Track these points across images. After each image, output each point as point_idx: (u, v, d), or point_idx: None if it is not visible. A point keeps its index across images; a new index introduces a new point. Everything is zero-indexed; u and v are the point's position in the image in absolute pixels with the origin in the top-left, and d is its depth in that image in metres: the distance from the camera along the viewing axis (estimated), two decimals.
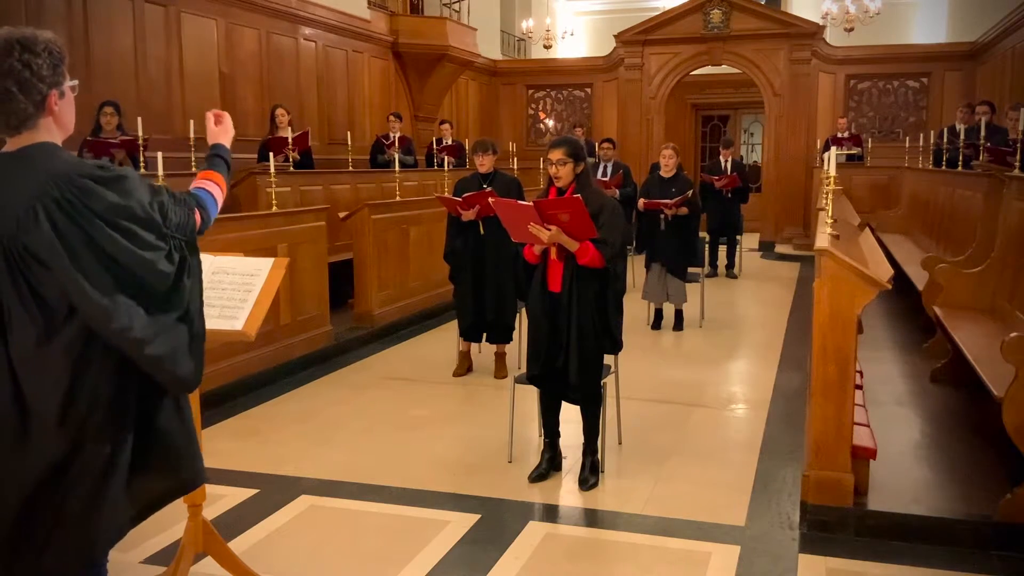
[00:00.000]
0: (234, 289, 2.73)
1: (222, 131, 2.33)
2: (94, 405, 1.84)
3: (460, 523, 3.51)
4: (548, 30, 15.06)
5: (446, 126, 10.66)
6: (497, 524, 3.52)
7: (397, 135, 9.65)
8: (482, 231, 5.45)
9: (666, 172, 7.17)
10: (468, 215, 5.40)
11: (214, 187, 2.19)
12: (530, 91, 15.09)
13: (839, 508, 3.35)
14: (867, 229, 5.74)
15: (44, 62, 1.84)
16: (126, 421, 1.91)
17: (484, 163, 5.46)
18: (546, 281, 3.84)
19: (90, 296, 1.77)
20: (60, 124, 1.91)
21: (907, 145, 11.46)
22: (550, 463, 4.03)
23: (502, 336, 5.70)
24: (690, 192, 7.01)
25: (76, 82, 1.95)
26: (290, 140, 8.03)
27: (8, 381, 1.80)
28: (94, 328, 1.81)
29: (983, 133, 7.82)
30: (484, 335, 5.73)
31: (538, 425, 4.31)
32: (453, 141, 10.35)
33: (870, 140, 12.22)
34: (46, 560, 1.86)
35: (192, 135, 7.00)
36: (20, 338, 1.79)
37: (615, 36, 14.02)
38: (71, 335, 1.81)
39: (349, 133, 9.72)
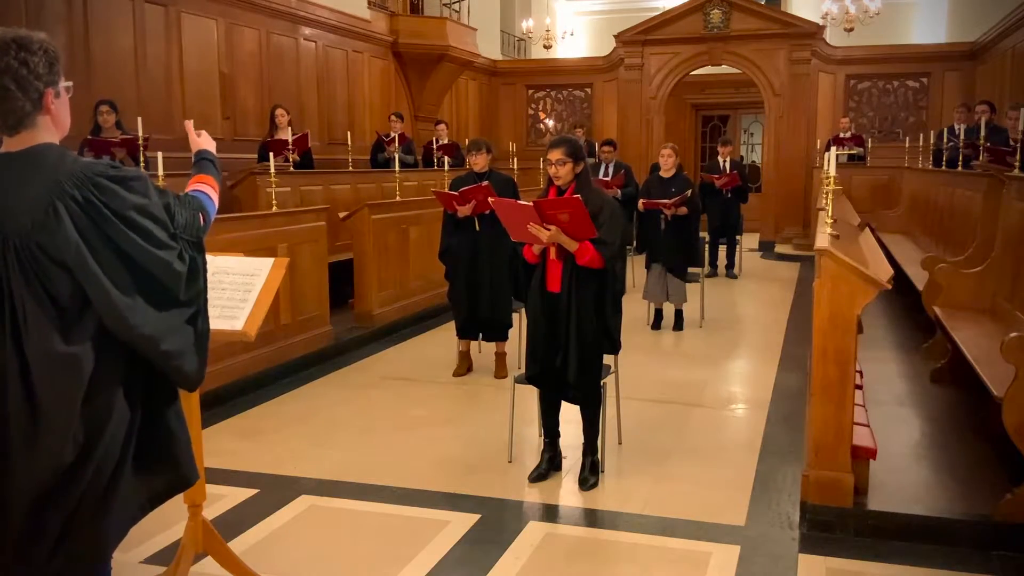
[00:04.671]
0: (234, 289, 2.73)
1: (204, 140, 2.38)
2: (106, 404, 1.85)
3: (460, 523, 3.51)
4: (548, 30, 15.06)
5: (442, 126, 10.79)
6: (497, 524, 3.52)
7: (397, 134, 9.66)
8: (477, 228, 5.46)
9: (666, 172, 7.17)
10: (464, 211, 5.40)
11: (209, 189, 2.22)
12: (530, 91, 15.09)
13: (839, 508, 3.35)
14: (867, 229, 5.74)
15: (40, 60, 1.84)
16: (134, 419, 1.93)
17: (478, 162, 5.49)
18: (545, 281, 3.84)
19: (111, 295, 1.79)
20: (57, 123, 1.91)
21: (907, 145, 11.46)
22: (550, 463, 4.03)
23: (497, 334, 5.70)
24: (689, 192, 7.00)
25: (71, 83, 1.96)
26: (290, 142, 8.03)
27: (19, 381, 1.79)
28: (109, 326, 1.82)
29: (983, 133, 7.83)
30: (480, 333, 5.73)
31: (538, 425, 4.31)
32: (449, 141, 10.37)
33: (870, 140, 12.22)
34: (58, 561, 1.85)
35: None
36: (37, 339, 1.78)
37: (615, 36, 14.03)
38: (87, 334, 1.81)
39: (349, 133, 9.74)
